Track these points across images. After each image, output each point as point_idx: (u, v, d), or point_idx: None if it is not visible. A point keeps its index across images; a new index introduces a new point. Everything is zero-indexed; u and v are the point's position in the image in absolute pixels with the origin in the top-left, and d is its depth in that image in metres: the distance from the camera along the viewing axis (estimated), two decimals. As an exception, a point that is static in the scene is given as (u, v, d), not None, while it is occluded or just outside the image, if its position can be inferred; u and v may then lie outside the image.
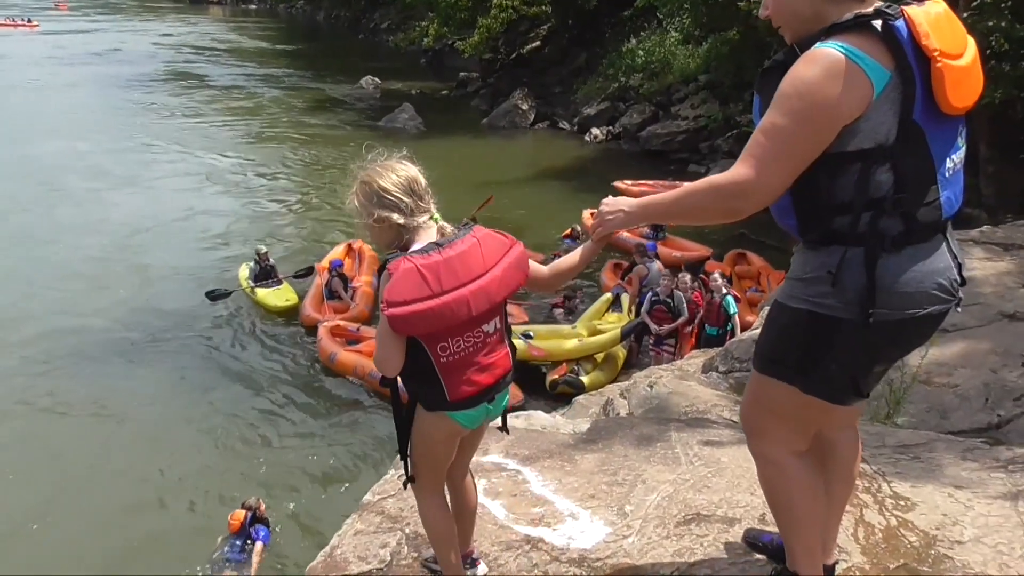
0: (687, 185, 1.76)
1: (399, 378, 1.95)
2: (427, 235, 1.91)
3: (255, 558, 6.14)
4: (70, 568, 6.16)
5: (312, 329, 10.03)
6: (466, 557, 2.25)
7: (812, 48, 1.58)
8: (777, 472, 1.88)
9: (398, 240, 1.93)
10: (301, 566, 2.54)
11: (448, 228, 1.94)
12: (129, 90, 27.15)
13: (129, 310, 10.94)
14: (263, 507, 6.43)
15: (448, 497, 2.19)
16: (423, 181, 1.95)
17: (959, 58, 1.59)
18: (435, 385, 1.90)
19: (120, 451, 7.76)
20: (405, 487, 2.11)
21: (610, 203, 1.93)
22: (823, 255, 1.66)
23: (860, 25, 1.57)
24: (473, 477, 2.28)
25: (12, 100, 25.10)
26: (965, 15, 10.04)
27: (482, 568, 2.27)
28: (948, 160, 1.64)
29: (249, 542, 6.22)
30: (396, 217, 1.89)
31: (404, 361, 1.87)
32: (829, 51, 1.55)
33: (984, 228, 6.39)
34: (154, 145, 20.09)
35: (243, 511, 6.29)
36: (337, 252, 11.93)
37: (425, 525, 2.14)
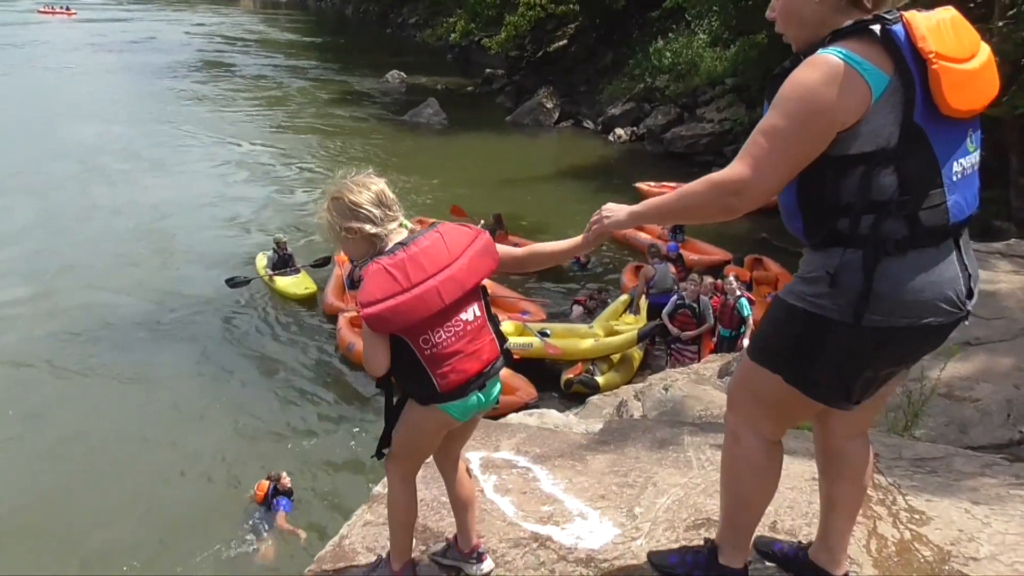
0: (685, 185, 1.77)
1: (392, 378, 2.03)
2: (397, 240, 2.00)
3: (280, 525, 6.42)
4: (97, 531, 6.43)
5: (333, 317, 10.15)
6: (472, 552, 2.26)
7: (813, 54, 1.61)
8: (737, 448, 1.94)
9: (372, 249, 2.01)
10: (311, 553, 2.55)
11: (417, 230, 2.04)
12: (162, 78, 27.61)
13: (153, 291, 11.22)
14: (285, 479, 6.71)
15: (446, 491, 2.26)
16: (390, 193, 2.04)
17: (964, 62, 1.59)
18: (424, 378, 1.96)
19: (144, 422, 8.05)
20: (378, 458, 2.16)
21: (612, 206, 1.98)
22: (825, 256, 1.68)
23: (860, 31, 1.60)
24: (469, 470, 2.32)
25: (51, 85, 25.78)
26: (1000, 24, 9.87)
27: (488, 564, 2.27)
28: (955, 164, 1.64)
29: (270, 512, 6.51)
30: (368, 228, 1.97)
31: (390, 360, 1.95)
32: (828, 56, 1.58)
33: (1011, 241, 6.28)
34: (184, 131, 20.49)
35: (267, 482, 6.62)
36: None
37: (389, 507, 2.20)
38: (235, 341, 9.99)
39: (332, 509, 6.74)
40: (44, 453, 7.46)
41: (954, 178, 1.63)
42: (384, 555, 2.28)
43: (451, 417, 2.03)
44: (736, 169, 1.65)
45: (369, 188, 2.00)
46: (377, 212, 1.98)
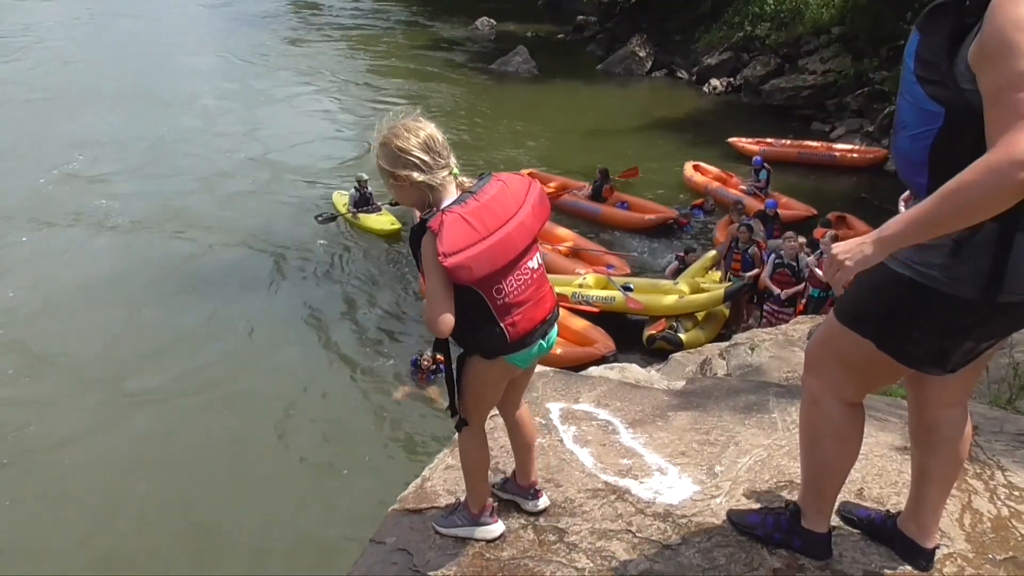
0: (944, 186, 1.40)
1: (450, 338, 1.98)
2: (451, 190, 1.96)
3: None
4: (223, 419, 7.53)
5: None
6: (529, 487, 2.33)
7: None
8: (817, 411, 1.88)
9: (423, 198, 1.96)
10: (391, 497, 2.65)
11: (467, 182, 1.99)
12: (263, 19, 28.48)
13: (250, 224, 12.06)
14: (424, 358, 7.97)
15: (507, 434, 2.32)
16: (440, 137, 1.97)
17: None
18: (494, 330, 1.96)
19: (244, 355, 8.81)
20: (460, 431, 2.18)
21: (842, 247, 1.56)
22: None
23: None
24: (527, 411, 2.32)
25: (167, 25, 27.14)
26: None
27: (543, 500, 2.34)
28: None
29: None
30: (416, 175, 1.91)
31: (456, 316, 1.90)
32: None
33: None
34: (280, 72, 21.35)
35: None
36: None
37: (461, 456, 2.25)
38: (323, 273, 10.63)
39: (409, 456, 6.93)
40: (168, 337, 8.92)
41: None
42: (462, 499, 2.34)
43: (515, 366, 2.06)
44: (1020, 137, 1.32)
45: (417, 133, 1.93)
46: (426, 158, 1.91)
